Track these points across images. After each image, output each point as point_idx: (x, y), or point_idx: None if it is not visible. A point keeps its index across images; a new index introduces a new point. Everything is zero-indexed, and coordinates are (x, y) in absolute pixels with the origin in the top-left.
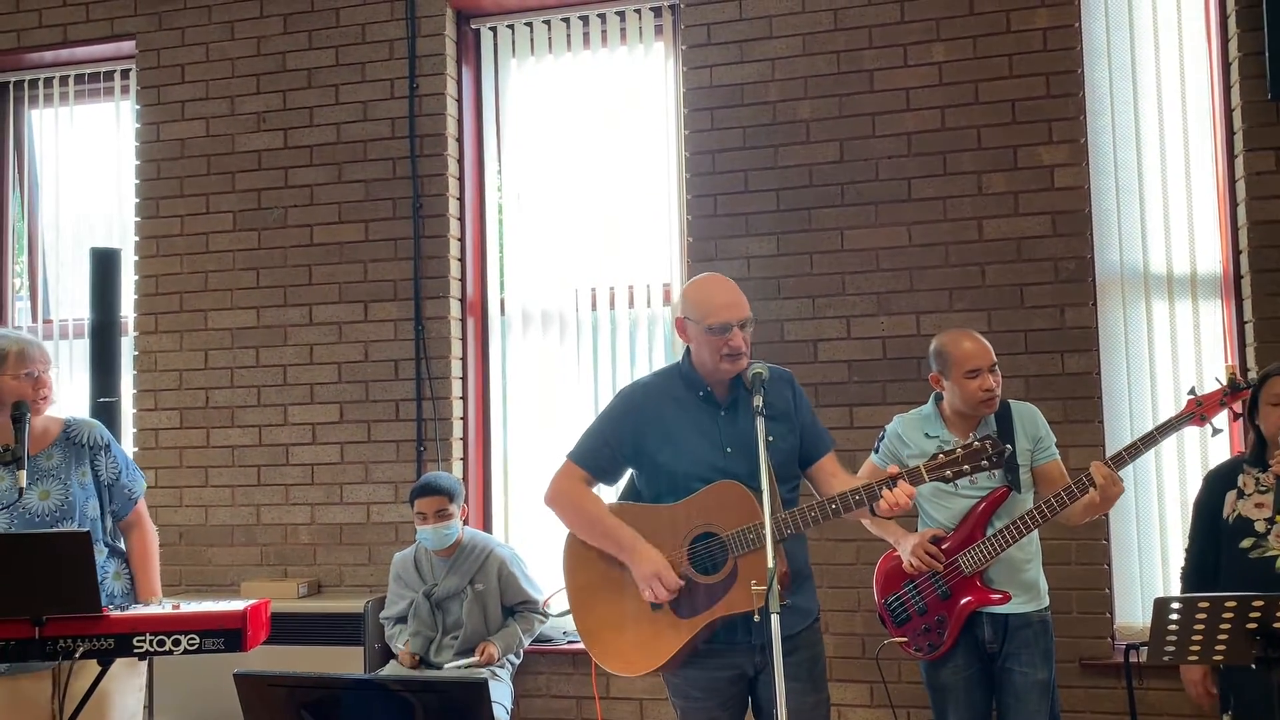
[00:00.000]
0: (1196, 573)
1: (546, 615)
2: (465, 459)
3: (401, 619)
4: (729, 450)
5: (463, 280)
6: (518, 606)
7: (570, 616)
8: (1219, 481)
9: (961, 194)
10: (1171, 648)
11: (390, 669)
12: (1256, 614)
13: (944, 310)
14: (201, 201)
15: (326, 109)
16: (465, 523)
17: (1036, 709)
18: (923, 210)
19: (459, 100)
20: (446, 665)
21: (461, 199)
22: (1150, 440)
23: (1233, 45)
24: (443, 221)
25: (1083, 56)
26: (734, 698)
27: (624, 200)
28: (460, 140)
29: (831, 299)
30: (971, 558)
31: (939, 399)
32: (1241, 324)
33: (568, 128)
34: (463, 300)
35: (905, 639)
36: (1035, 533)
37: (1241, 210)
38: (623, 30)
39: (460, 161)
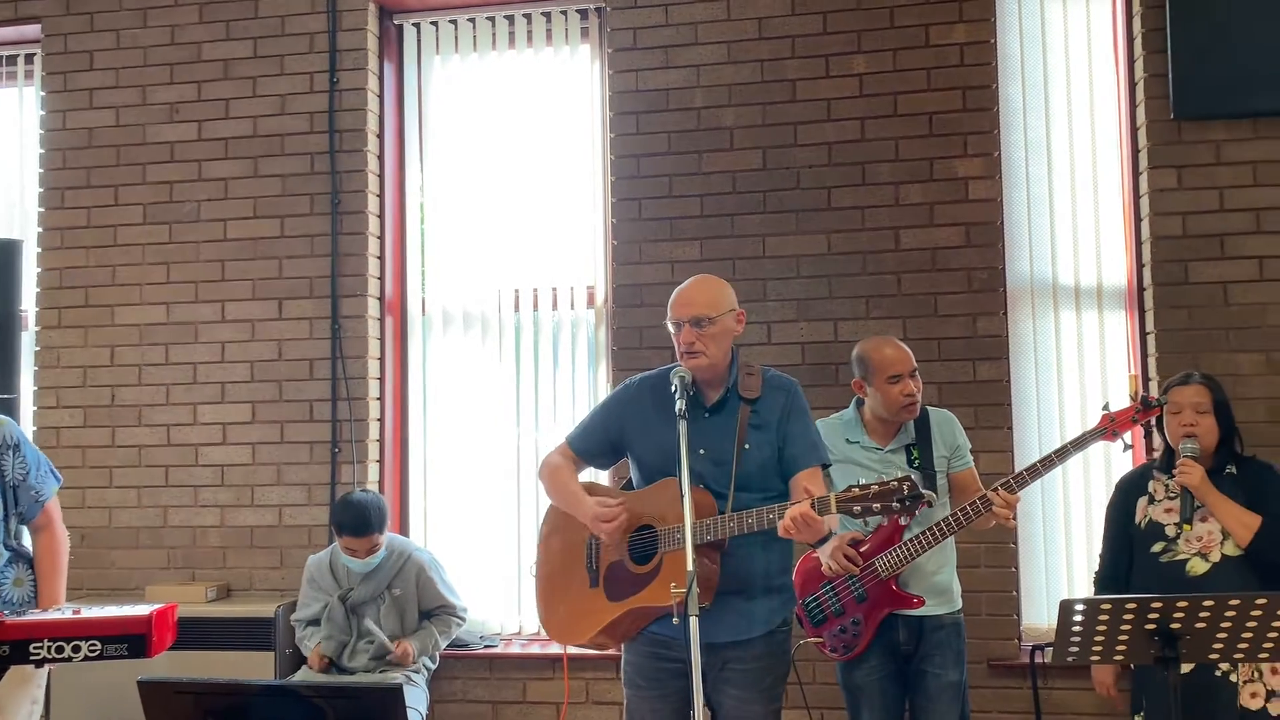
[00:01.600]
0: (1110, 578)
1: (463, 619)
2: (382, 461)
3: (314, 621)
4: (702, 452)
5: (381, 279)
6: (435, 611)
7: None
8: (1130, 488)
9: (879, 204)
10: (1075, 648)
11: (301, 674)
12: (1155, 615)
13: (861, 318)
14: (110, 193)
15: (243, 101)
16: None
17: (948, 710)
18: (842, 219)
19: (380, 96)
20: (368, 675)
21: (381, 196)
22: (1064, 454)
23: (1139, 66)
24: (361, 219)
25: (997, 72)
26: (677, 692)
27: (548, 202)
28: (381, 137)
29: (753, 305)
30: (888, 561)
31: (860, 404)
32: (1144, 335)
33: (492, 127)
34: (381, 299)
35: (821, 640)
36: (950, 537)
37: (1145, 225)
38: (548, 31)
39: (381, 158)
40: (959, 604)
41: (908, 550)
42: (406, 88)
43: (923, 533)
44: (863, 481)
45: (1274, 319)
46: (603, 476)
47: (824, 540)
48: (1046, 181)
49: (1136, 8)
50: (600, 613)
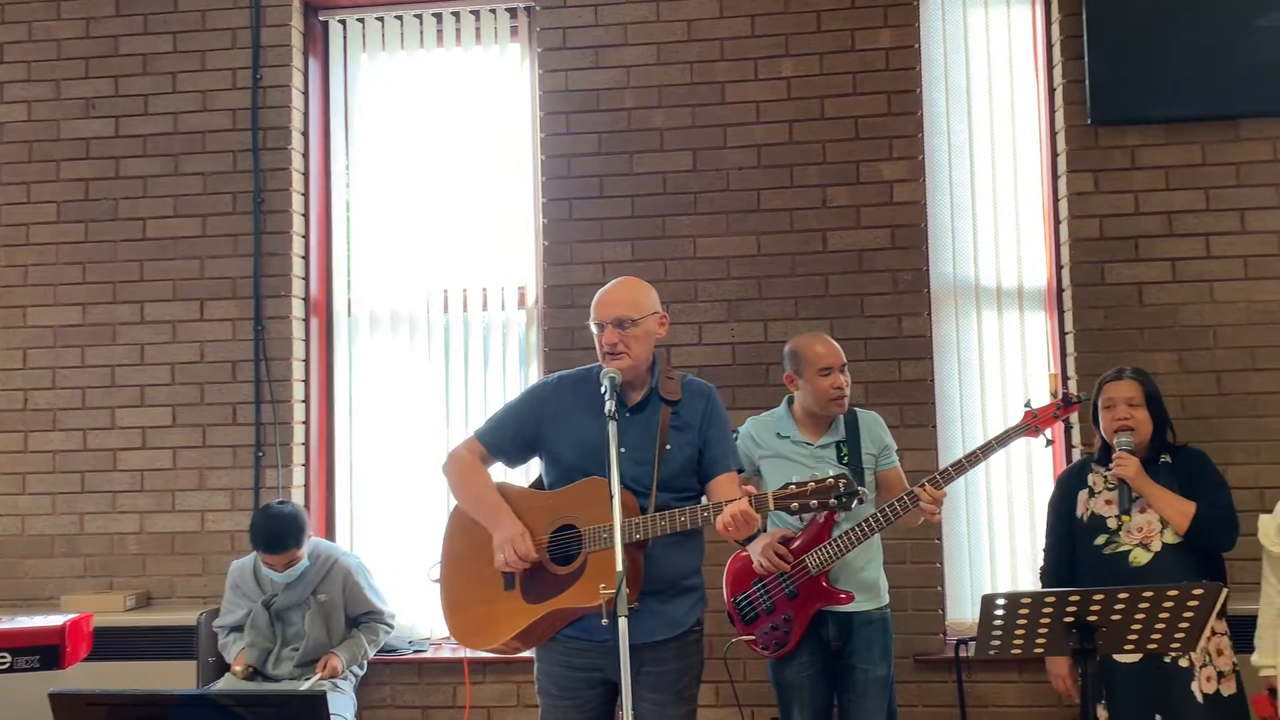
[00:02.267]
0: (1055, 572)
1: (392, 626)
2: (307, 465)
3: (236, 628)
4: (623, 450)
5: (306, 279)
6: (362, 617)
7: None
8: (1070, 481)
9: (807, 206)
10: (997, 642)
11: (225, 682)
12: (1073, 608)
13: (790, 318)
14: (21, 190)
15: (162, 97)
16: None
17: (876, 704)
18: (771, 221)
19: (305, 94)
20: (303, 685)
21: (306, 194)
22: (988, 449)
23: (1057, 72)
24: (286, 217)
25: (921, 77)
26: (591, 701)
27: (478, 201)
28: (306, 134)
29: (684, 305)
30: (818, 558)
31: (791, 402)
32: (1063, 334)
33: (420, 126)
34: (306, 299)
35: (753, 637)
36: (876, 534)
37: (1064, 228)
38: (477, 30)
39: (306, 156)
40: (886, 599)
41: (837, 547)
42: (333, 85)
43: (851, 529)
44: (797, 480)
45: (1186, 319)
46: (512, 475)
47: (752, 538)
48: (969, 185)
49: (1055, 15)
50: (517, 615)
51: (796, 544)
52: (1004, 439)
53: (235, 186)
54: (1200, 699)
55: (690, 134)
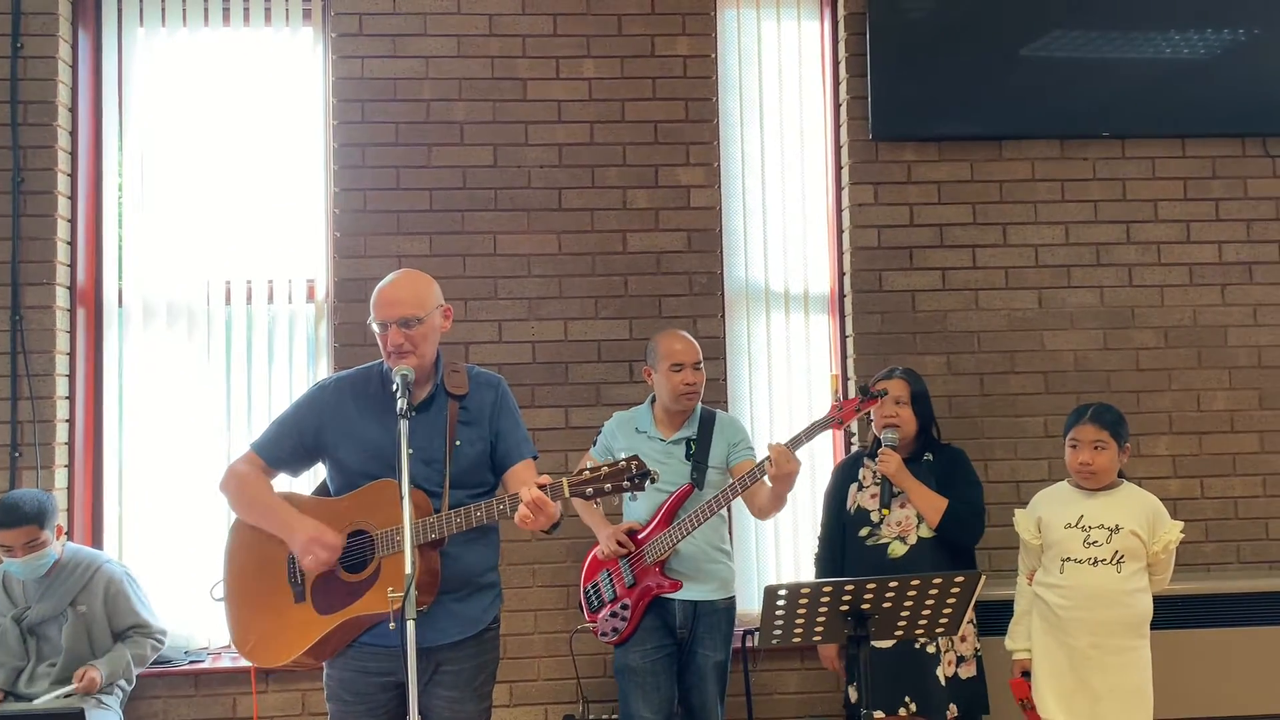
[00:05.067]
0: (827, 560)
1: (161, 641)
2: (71, 466)
3: None
4: (411, 451)
5: (73, 266)
6: (129, 631)
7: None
8: (843, 474)
9: (608, 207)
10: (779, 631)
11: None
12: (848, 598)
13: (590, 317)
14: None
15: None
16: (68, 538)
17: (714, 688)
18: (572, 220)
19: (74, 67)
20: (41, 698)
21: (74, 175)
22: (796, 443)
23: (842, 88)
24: (49, 199)
25: (717, 86)
26: (384, 705)
27: (266, 189)
28: (75, 111)
29: (484, 302)
30: (655, 547)
31: (654, 401)
32: (844, 338)
33: (203, 107)
34: (72, 288)
35: (595, 625)
36: (725, 530)
37: (846, 237)
38: (267, 10)
39: (74, 134)
40: (732, 591)
41: (671, 536)
42: (105, 59)
43: (684, 519)
44: (590, 464)
45: (953, 325)
46: (297, 484)
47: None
48: (760, 192)
49: (842, 33)
50: (310, 627)
51: (643, 534)
52: (812, 431)
53: None
54: (943, 682)
55: (491, 129)
